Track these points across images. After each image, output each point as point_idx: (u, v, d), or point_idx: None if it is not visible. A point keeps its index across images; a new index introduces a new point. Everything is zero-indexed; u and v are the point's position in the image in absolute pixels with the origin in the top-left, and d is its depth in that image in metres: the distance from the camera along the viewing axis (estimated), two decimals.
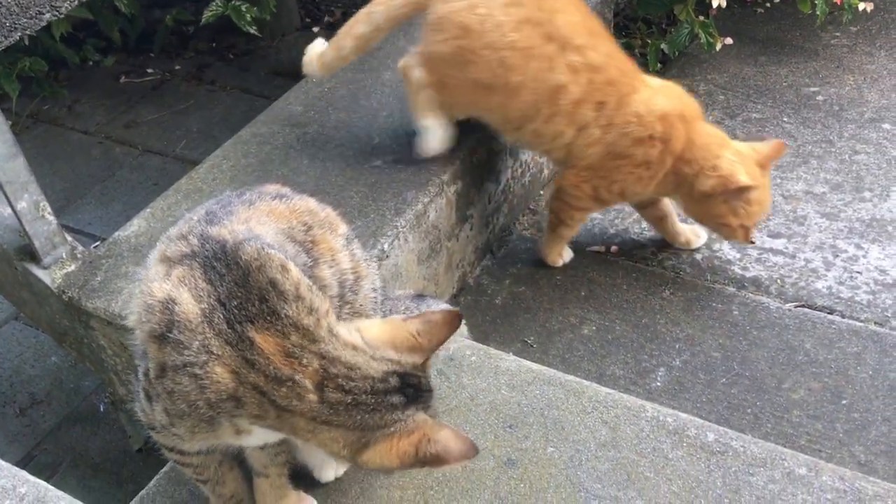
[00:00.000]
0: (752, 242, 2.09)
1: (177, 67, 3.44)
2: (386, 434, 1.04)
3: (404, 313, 1.56)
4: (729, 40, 2.83)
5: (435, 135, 2.02)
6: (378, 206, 1.92)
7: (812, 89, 2.82)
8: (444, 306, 1.69)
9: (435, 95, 1.99)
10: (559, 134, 1.95)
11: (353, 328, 1.10)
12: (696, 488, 1.34)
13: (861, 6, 2.75)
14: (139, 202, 2.37)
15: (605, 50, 1.92)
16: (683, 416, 1.47)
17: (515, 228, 2.41)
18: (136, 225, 1.92)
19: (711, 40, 2.74)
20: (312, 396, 1.02)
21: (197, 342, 1.01)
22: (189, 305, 1.03)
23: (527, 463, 1.40)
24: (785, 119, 2.70)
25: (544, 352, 2.02)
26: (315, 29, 3.57)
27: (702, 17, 2.79)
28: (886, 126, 2.63)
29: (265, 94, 3.13)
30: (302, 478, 1.39)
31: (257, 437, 1.10)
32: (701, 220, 2.10)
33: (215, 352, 1.01)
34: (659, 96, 1.94)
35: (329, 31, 3.55)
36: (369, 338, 1.08)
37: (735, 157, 1.94)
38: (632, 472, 1.37)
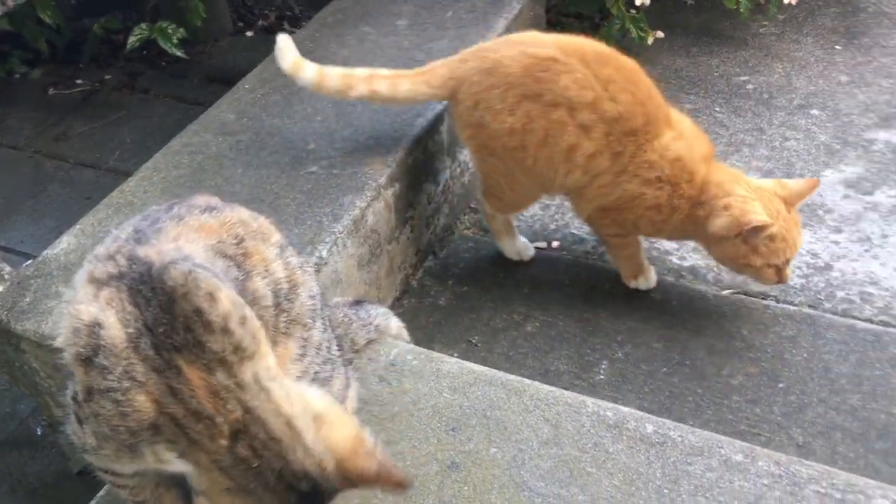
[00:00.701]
0: (785, 282, 1.94)
1: (107, 77, 3.36)
2: None
3: (342, 321, 1.56)
4: (660, 33, 2.87)
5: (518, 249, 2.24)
6: (315, 212, 1.90)
7: (742, 78, 2.88)
8: (383, 310, 1.69)
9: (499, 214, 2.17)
10: (575, 181, 1.96)
11: (309, 404, 1.05)
12: (636, 480, 1.35)
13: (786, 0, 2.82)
14: (72, 217, 2.30)
15: (628, 98, 1.86)
16: (623, 409, 1.49)
17: (457, 228, 2.41)
18: (65, 242, 1.87)
19: (643, 34, 2.77)
20: (224, 443, 0.99)
21: (120, 368, 0.99)
22: (115, 330, 1.01)
23: (470, 465, 1.40)
24: (717, 108, 2.75)
25: (489, 351, 2.03)
26: (249, 33, 3.54)
27: (633, 11, 2.83)
28: (815, 112, 2.70)
29: (200, 101, 3.08)
30: None
31: (178, 466, 1.08)
32: (726, 263, 1.97)
33: (138, 379, 0.99)
34: (679, 141, 1.89)
35: (263, 35, 3.53)
36: (326, 435, 1.04)
37: (748, 193, 1.85)
38: (574, 469, 1.38)
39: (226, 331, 1.01)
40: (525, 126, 1.90)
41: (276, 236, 1.27)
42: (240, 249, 1.18)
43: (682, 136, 1.91)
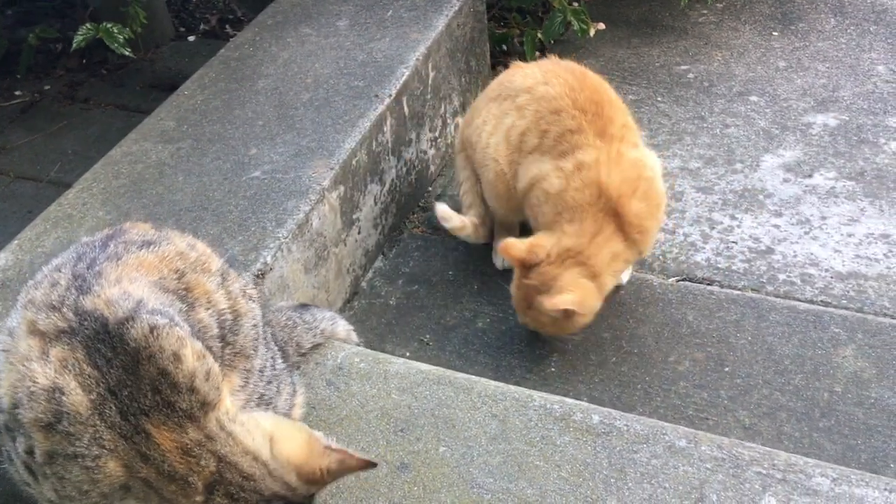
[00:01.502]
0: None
1: (46, 87, 3.30)
2: None
3: (286, 324, 1.55)
4: (601, 25, 2.90)
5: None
6: (259, 218, 1.89)
7: (683, 67, 2.92)
8: (329, 314, 1.69)
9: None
10: (512, 161, 2.05)
11: (262, 429, 1.07)
12: (583, 471, 1.37)
13: None
14: (13, 233, 2.25)
15: (563, 87, 1.95)
16: (569, 401, 1.51)
17: (406, 227, 2.41)
18: (3, 259, 1.84)
19: (584, 27, 2.79)
20: (199, 498, 0.99)
21: (88, 435, 0.97)
22: (77, 396, 0.99)
23: (420, 465, 1.40)
24: (659, 99, 2.78)
25: (441, 349, 2.04)
26: (191, 38, 3.49)
27: (575, 4, 2.85)
28: (754, 98, 2.74)
29: (142, 109, 3.03)
30: None
31: None
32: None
33: (108, 446, 0.97)
34: (591, 156, 1.91)
35: (205, 40, 3.49)
36: (280, 452, 1.05)
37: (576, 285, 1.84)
38: (522, 463, 1.39)
39: (192, 389, 1.01)
40: (484, 121, 2.09)
41: (216, 264, 1.26)
42: (181, 284, 1.16)
43: (599, 159, 1.89)
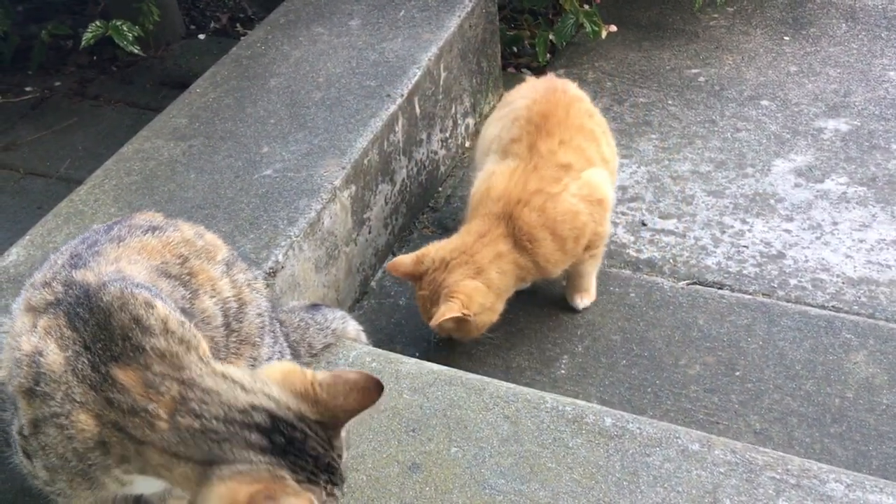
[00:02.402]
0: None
1: (57, 84, 3.30)
2: (229, 473, 0.95)
3: (298, 325, 1.55)
4: (613, 28, 2.90)
5: None
6: (270, 216, 1.89)
7: (694, 71, 2.91)
8: (340, 313, 1.69)
9: None
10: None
11: (244, 369, 1.06)
12: (596, 474, 1.37)
13: None
14: (23, 228, 2.25)
15: (546, 106, 2.00)
16: (582, 403, 1.50)
17: (416, 228, 2.41)
18: (14, 254, 1.84)
19: (596, 28, 2.79)
20: (163, 424, 0.97)
21: (61, 392, 0.98)
22: (53, 356, 1.00)
23: (431, 465, 1.40)
24: (670, 102, 2.78)
25: (451, 349, 2.03)
26: (201, 36, 3.49)
27: (586, 6, 2.85)
28: (764, 103, 2.74)
29: (152, 107, 3.03)
30: None
31: (140, 486, 1.06)
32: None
33: (78, 399, 0.97)
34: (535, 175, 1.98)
35: (216, 38, 3.49)
36: (259, 372, 1.04)
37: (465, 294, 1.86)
38: (534, 465, 1.39)
39: (168, 330, 1.01)
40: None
41: (223, 253, 1.26)
42: (184, 269, 1.16)
43: (514, 168, 1.93)
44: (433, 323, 1.83)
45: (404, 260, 1.90)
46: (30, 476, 1.13)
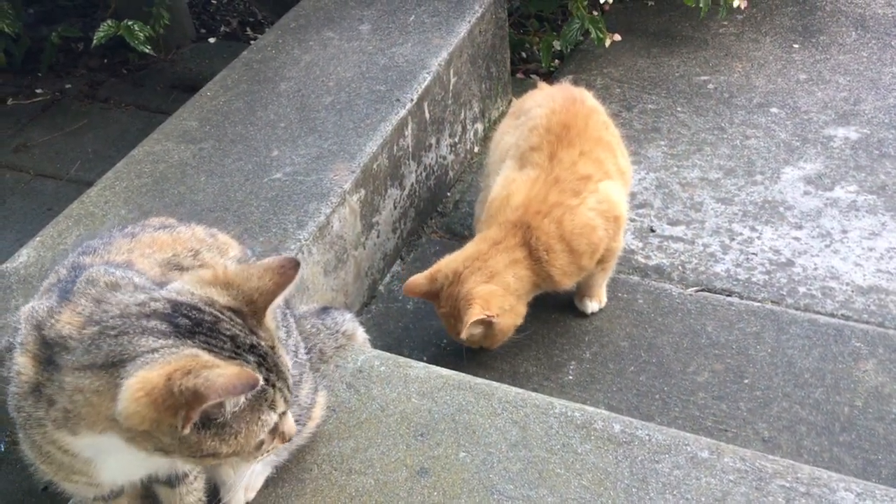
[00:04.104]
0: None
1: (67, 86, 3.31)
2: (134, 368, 0.90)
3: (311, 332, 1.55)
4: (618, 37, 2.89)
5: None
6: (280, 219, 1.89)
7: (703, 78, 2.91)
8: (349, 315, 1.69)
9: None
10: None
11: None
12: (604, 480, 1.36)
13: (736, 3, 2.85)
14: (33, 230, 2.27)
15: (564, 116, 1.99)
16: (590, 409, 1.50)
17: (424, 232, 2.41)
18: (24, 255, 1.84)
19: (601, 36, 2.79)
20: (74, 343, 0.95)
21: (18, 342, 0.99)
22: (25, 306, 1.02)
23: (439, 470, 1.40)
24: (679, 108, 2.77)
25: (458, 354, 2.03)
26: (211, 40, 3.51)
27: (595, 12, 2.85)
28: (774, 110, 2.74)
29: (162, 110, 3.04)
30: None
31: (103, 468, 1.06)
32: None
33: (23, 341, 0.99)
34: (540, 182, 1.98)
35: (226, 42, 3.50)
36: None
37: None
38: (543, 470, 1.39)
39: (113, 284, 1.02)
40: (502, 134, 2.16)
41: (235, 250, 1.26)
42: (196, 261, 1.17)
43: (534, 177, 1.92)
44: (462, 335, 1.82)
45: (418, 280, 1.89)
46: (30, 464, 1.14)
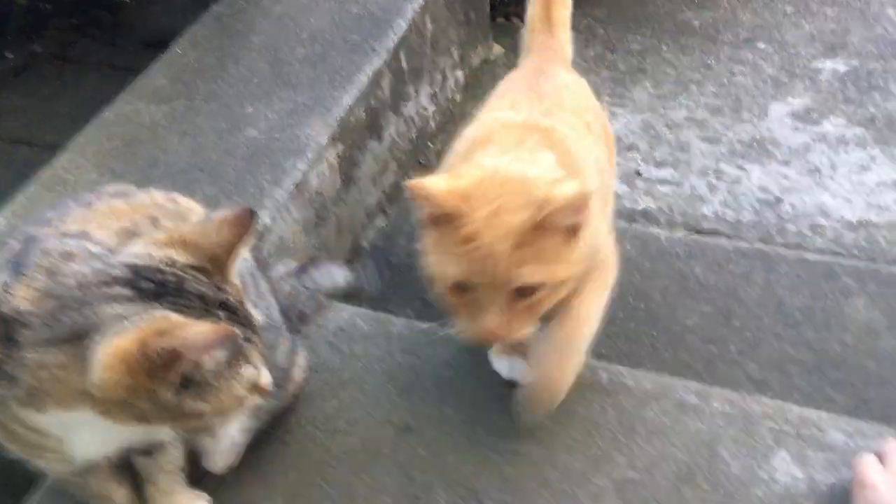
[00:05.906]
0: None
1: (38, 49, 3.22)
2: (102, 339, 0.88)
3: (290, 293, 1.52)
4: None
5: None
6: (256, 178, 1.85)
7: (688, 15, 2.84)
8: (334, 268, 1.66)
9: None
10: None
11: None
12: (592, 430, 1.35)
13: None
14: (10, 198, 2.23)
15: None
16: None
17: (406, 185, 2.36)
18: None
19: None
20: (32, 318, 0.91)
21: None
22: None
23: (425, 426, 1.38)
24: (664, 48, 2.71)
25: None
26: None
27: None
28: (761, 45, 2.67)
29: (136, 69, 2.96)
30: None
31: (77, 444, 1.04)
32: None
33: None
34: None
35: None
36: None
37: None
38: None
39: (69, 255, 0.97)
40: None
41: (198, 215, 1.21)
42: (156, 230, 1.12)
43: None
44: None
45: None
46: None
